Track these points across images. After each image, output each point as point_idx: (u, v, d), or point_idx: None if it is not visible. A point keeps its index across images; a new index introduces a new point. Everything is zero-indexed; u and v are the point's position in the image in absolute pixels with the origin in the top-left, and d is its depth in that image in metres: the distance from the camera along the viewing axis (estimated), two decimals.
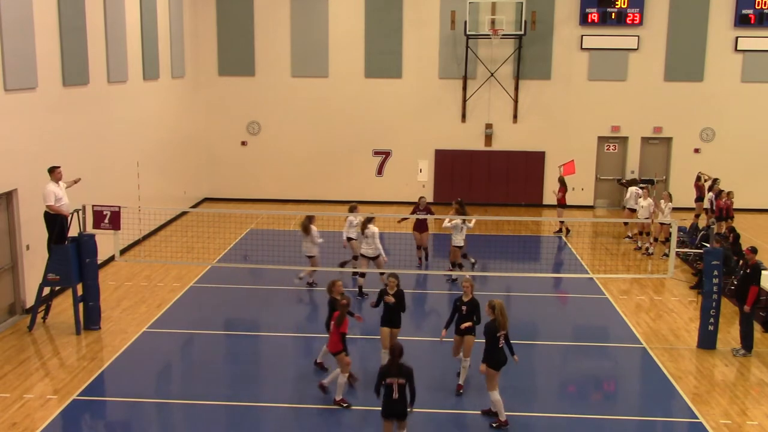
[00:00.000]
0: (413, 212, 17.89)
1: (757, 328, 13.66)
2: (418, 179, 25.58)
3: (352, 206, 16.76)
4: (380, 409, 9.03)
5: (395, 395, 8.85)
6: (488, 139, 25.53)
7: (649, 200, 19.42)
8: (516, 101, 25.20)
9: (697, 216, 20.80)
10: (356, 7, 24.83)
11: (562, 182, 21.57)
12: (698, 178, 22.18)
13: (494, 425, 10.14)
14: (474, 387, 11.26)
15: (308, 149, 25.58)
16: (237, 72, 25.28)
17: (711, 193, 21.29)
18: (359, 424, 10.30)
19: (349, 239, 16.50)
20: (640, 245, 19.81)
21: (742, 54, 24.64)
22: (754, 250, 13.06)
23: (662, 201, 19.09)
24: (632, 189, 21.23)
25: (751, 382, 11.91)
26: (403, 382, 8.86)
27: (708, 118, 25.11)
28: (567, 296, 16.49)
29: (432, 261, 18.13)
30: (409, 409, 8.99)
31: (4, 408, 10.46)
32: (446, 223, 16.34)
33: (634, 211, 20.35)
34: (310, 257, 15.94)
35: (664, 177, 25.46)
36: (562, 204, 21.50)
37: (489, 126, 25.45)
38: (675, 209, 19.21)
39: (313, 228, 15.78)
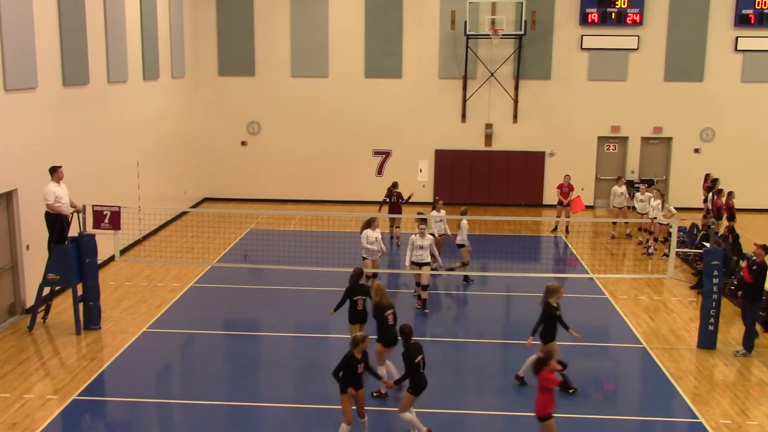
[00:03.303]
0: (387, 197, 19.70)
1: (757, 328, 13.62)
2: (418, 179, 25.56)
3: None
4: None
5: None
6: (488, 139, 25.53)
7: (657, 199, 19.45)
8: (516, 101, 25.19)
9: (705, 216, 20.81)
10: (356, 7, 24.82)
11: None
12: (706, 179, 22.17)
13: None
14: (478, 388, 11.25)
15: (308, 149, 25.57)
16: (237, 72, 25.27)
17: (710, 193, 21.29)
18: (359, 424, 10.27)
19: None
20: (648, 244, 19.75)
21: (742, 54, 24.63)
22: (767, 249, 12.76)
23: (657, 201, 19.14)
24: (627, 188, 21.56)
25: (751, 382, 11.91)
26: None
27: (708, 118, 25.11)
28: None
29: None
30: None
31: (4, 408, 10.46)
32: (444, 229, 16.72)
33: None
34: (460, 246, 16.45)
35: (664, 177, 25.46)
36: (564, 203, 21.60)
37: (489, 126, 25.45)
38: (675, 209, 19.20)
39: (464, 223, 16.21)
